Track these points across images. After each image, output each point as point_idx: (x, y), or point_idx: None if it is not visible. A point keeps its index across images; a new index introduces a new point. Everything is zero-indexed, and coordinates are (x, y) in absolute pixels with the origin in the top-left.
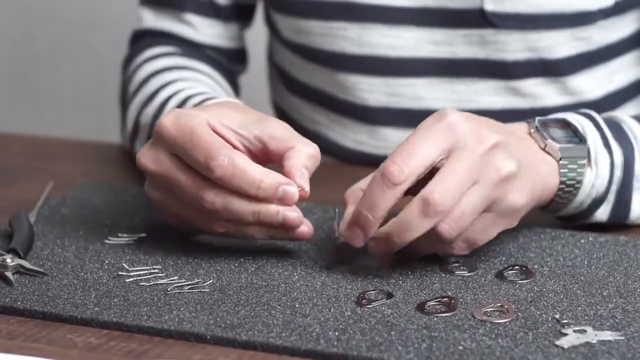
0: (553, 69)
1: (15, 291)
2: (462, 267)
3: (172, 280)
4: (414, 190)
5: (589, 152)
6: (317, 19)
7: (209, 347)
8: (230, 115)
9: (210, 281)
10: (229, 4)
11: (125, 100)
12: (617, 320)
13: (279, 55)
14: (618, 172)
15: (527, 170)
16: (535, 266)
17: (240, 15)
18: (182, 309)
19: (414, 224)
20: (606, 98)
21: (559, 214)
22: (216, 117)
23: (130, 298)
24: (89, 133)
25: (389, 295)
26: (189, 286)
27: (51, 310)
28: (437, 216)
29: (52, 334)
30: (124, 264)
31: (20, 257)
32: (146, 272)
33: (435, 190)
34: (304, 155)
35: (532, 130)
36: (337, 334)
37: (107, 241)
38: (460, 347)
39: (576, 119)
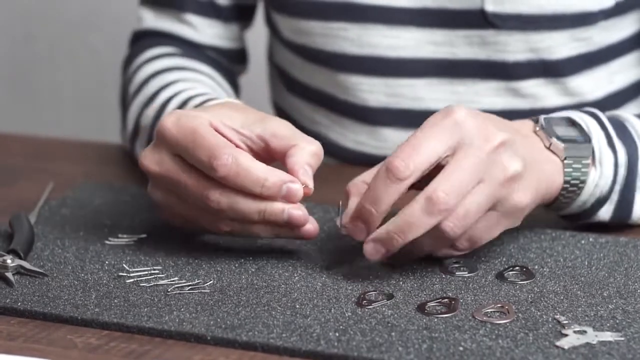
0: (553, 69)
1: (16, 292)
2: (462, 268)
3: (173, 281)
4: (418, 185)
5: (593, 152)
6: (318, 20)
7: (210, 347)
8: (231, 115)
9: (211, 282)
10: (229, 4)
11: (125, 100)
12: (617, 321)
13: (280, 56)
14: (622, 172)
15: (533, 169)
16: (536, 267)
17: (241, 15)
18: (182, 309)
19: (416, 222)
20: (607, 99)
21: (561, 212)
22: (218, 117)
23: (131, 299)
24: (89, 133)
25: (390, 296)
26: (190, 287)
27: (51, 311)
28: (441, 214)
29: (52, 335)
30: (124, 265)
31: (20, 258)
32: (146, 272)
33: (439, 188)
34: (307, 152)
35: (537, 129)
36: (337, 334)
37: (107, 242)
38: (461, 348)
39: (581, 118)
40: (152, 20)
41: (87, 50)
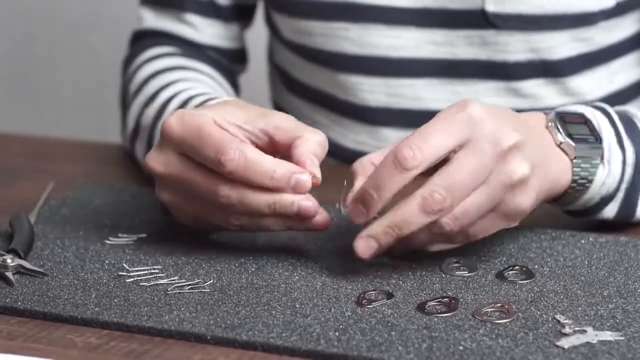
0: (554, 69)
1: (16, 291)
2: (462, 268)
3: (173, 280)
4: (423, 172)
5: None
6: (318, 20)
7: (209, 347)
8: (234, 112)
9: (211, 281)
10: (229, 4)
11: (125, 100)
12: (617, 321)
13: (280, 56)
14: (629, 170)
15: (539, 172)
16: (536, 266)
17: (241, 15)
18: (182, 309)
19: (412, 220)
20: (607, 99)
21: (565, 207)
22: (221, 114)
23: (131, 298)
24: (89, 133)
25: (389, 296)
26: (189, 286)
27: (51, 310)
28: (437, 214)
29: (52, 334)
30: (124, 264)
31: (20, 258)
32: (146, 272)
33: (437, 187)
34: (312, 142)
35: (550, 124)
36: (337, 334)
37: (107, 241)
38: (461, 348)
39: (593, 115)
40: (152, 20)
41: (87, 50)
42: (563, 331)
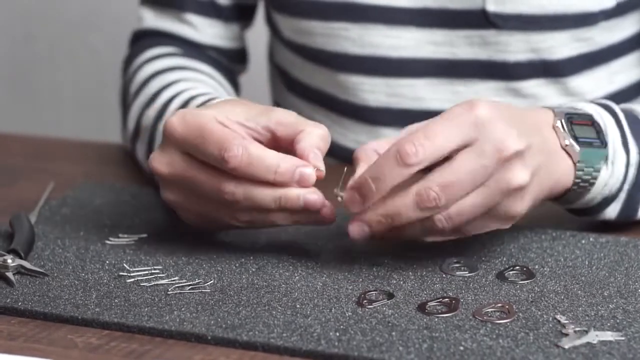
0: (554, 69)
1: (16, 292)
2: (462, 268)
3: (173, 280)
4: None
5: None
6: (319, 20)
7: (210, 347)
8: (235, 110)
9: (211, 282)
10: (229, 4)
11: (126, 101)
12: (618, 321)
13: (280, 56)
14: (632, 171)
15: (539, 179)
16: (536, 267)
17: (241, 15)
18: (183, 309)
19: (406, 213)
20: (607, 99)
21: (566, 206)
22: (222, 113)
23: (131, 298)
24: (89, 133)
25: (390, 296)
26: (190, 287)
27: (52, 310)
28: (431, 211)
29: (52, 335)
30: (124, 265)
31: (21, 258)
32: (147, 272)
33: (434, 185)
34: (315, 136)
35: (557, 124)
36: (338, 334)
37: (107, 242)
38: (461, 348)
39: (600, 116)
40: (153, 20)
41: (87, 50)
42: (563, 331)
